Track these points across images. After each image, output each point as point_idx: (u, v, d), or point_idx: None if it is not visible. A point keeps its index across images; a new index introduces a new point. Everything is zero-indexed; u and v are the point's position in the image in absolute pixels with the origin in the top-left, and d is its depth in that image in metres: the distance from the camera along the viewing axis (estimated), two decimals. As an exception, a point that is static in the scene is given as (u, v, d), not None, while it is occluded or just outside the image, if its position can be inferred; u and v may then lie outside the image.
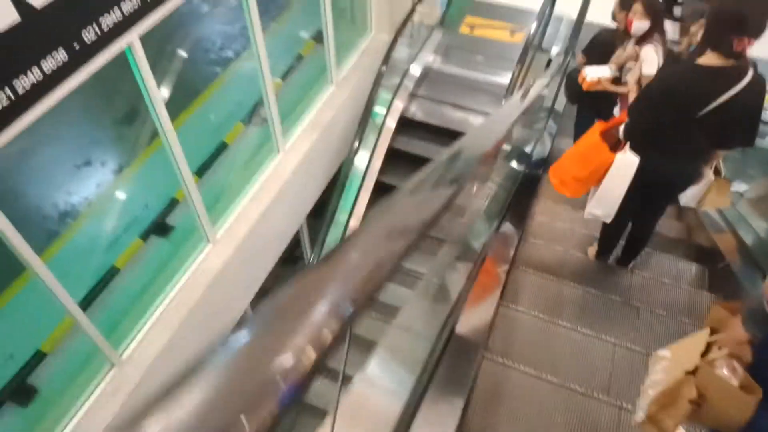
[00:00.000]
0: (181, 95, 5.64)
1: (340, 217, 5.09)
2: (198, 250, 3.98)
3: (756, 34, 2.40)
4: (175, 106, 5.50)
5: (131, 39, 2.73)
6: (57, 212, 4.50)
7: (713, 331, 2.22)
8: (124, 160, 5.02)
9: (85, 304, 3.53)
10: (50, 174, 4.87)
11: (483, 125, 2.80)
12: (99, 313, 3.53)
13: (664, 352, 2.28)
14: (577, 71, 4.49)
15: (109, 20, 2.55)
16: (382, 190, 5.31)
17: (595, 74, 3.83)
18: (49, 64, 2.30)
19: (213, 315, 4.05)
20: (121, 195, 4.62)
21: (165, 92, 5.63)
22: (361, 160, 5.20)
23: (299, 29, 6.00)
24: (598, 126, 3.13)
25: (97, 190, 4.75)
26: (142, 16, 2.75)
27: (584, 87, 3.86)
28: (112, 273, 3.81)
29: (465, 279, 2.88)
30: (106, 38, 2.57)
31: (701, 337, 2.21)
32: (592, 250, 3.85)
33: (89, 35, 2.46)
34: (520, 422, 2.67)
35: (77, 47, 2.42)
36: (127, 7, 2.63)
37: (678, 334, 3.20)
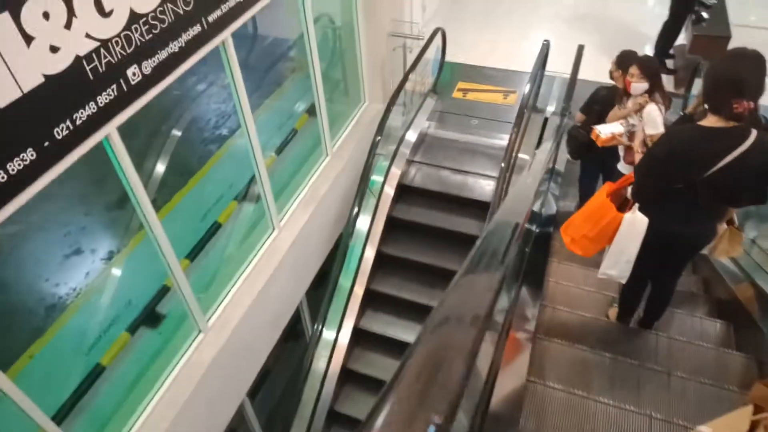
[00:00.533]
0: (175, 175, 5.56)
1: (341, 289, 4.86)
2: (189, 341, 3.73)
3: (754, 97, 2.44)
4: (168, 188, 5.42)
5: (109, 131, 2.62)
6: (43, 306, 4.30)
7: (757, 410, 2.11)
8: (116, 246, 4.86)
9: (66, 410, 3.27)
10: (38, 264, 4.70)
11: (513, 197, 2.91)
12: (78, 421, 3.26)
13: (706, 429, 2.21)
14: (578, 128, 4.49)
15: (83, 114, 2.44)
16: (383, 260, 5.11)
17: (609, 131, 3.77)
18: (16, 165, 2.16)
19: (205, 412, 3.75)
20: (110, 284, 4.42)
21: (158, 173, 5.56)
22: (360, 231, 5.03)
23: (293, 104, 6.00)
24: (606, 187, 3.13)
25: (86, 279, 4.56)
26: (119, 107, 2.65)
27: (599, 144, 3.81)
28: (97, 372, 3.55)
29: (493, 355, 2.80)
30: (81, 133, 2.45)
31: (745, 414, 2.14)
32: (613, 312, 3.78)
33: (61, 132, 2.34)
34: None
35: (47, 145, 2.29)
36: (103, 99, 2.53)
37: (713, 400, 3.10)
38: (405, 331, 4.83)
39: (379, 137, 5.00)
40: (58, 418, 3.23)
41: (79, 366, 3.59)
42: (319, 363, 4.68)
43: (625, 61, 3.86)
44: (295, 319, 5.70)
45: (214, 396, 3.84)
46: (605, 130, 3.80)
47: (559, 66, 6.35)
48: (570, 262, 4.43)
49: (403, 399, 0.99)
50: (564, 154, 5.24)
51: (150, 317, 3.96)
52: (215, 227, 4.55)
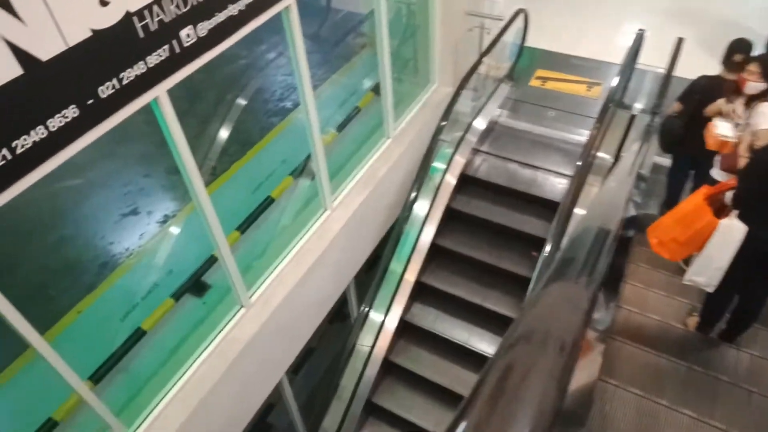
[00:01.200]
0: (236, 144, 5.52)
1: (391, 278, 4.65)
2: (229, 316, 3.65)
3: None
4: (228, 156, 5.39)
5: (157, 93, 2.50)
6: (96, 264, 4.37)
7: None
8: (171, 211, 4.89)
9: (104, 371, 3.27)
10: (96, 221, 4.80)
11: (602, 204, 2.87)
12: (114, 384, 3.26)
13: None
14: (674, 118, 4.26)
15: (131, 74, 2.32)
16: (437, 252, 4.85)
17: (726, 131, 3.38)
18: (57, 122, 2.06)
19: (239, 391, 3.67)
20: (161, 248, 4.42)
21: (221, 140, 5.54)
22: (415, 219, 4.78)
23: (359, 81, 5.79)
24: (704, 189, 3.01)
25: (139, 241, 4.61)
26: (170, 70, 2.52)
27: (710, 143, 3.47)
28: (138, 335, 3.55)
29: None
30: (127, 93, 2.33)
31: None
32: (693, 321, 3.64)
33: (106, 90, 2.23)
34: None
35: (91, 103, 2.18)
36: (153, 60, 2.40)
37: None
38: (453, 330, 4.57)
39: (445, 122, 4.70)
40: (96, 377, 3.24)
41: (121, 327, 3.59)
42: (361, 350, 4.51)
43: (741, 49, 3.43)
44: (342, 301, 5.57)
45: (251, 373, 3.75)
46: (724, 130, 3.40)
47: (652, 59, 5.75)
48: (648, 265, 4.23)
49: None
50: (649, 158, 4.74)
51: (196, 285, 3.92)
52: (268, 201, 4.44)
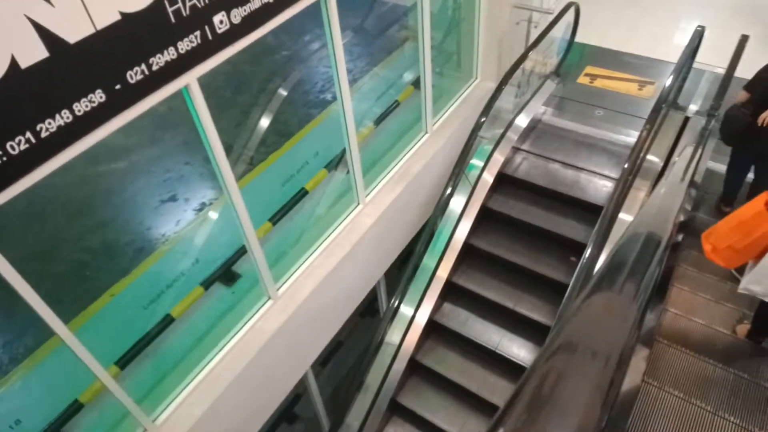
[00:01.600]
0: (275, 134, 5.53)
1: (421, 275, 4.55)
2: (256, 307, 3.64)
3: None
4: (266, 146, 5.40)
5: (188, 81, 2.48)
6: (132, 248, 4.46)
7: None
8: (208, 199, 4.93)
9: (131, 355, 3.32)
10: (136, 206, 4.90)
11: (652, 211, 2.79)
12: (140, 370, 3.29)
13: None
14: (739, 108, 4.09)
15: (161, 60, 2.30)
16: (470, 252, 4.71)
17: None
18: (82, 106, 2.06)
19: (262, 383, 3.66)
20: (196, 235, 4.46)
21: (261, 130, 5.56)
22: (449, 217, 4.65)
23: (400, 74, 5.69)
24: (765, 196, 2.81)
25: (175, 227, 4.67)
26: (202, 56, 2.49)
27: None
28: (166, 322, 3.58)
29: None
30: (156, 80, 2.32)
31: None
32: (743, 329, 3.49)
33: (135, 76, 2.21)
34: None
35: (119, 88, 2.17)
36: (185, 46, 2.37)
37: None
38: (483, 333, 4.43)
39: (484, 118, 4.54)
40: (122, 362, 3.29)
41: (151, 313, 3.63)
42: (388, 348, 4.44)
43: None
44: (373, 296, 5.51)
45: (275, 365, 3.74)
46: None
47: (711, 58, 5.41)
48: (695, 268, 4.06)
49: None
50: (703, 164, 4.46)
51: (226, 275, 3.93)
52: (302, 193, 4.41)
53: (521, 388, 1.12)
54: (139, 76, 2.24)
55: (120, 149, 5.31)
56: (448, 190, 4.57)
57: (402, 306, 4.49)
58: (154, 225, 4.66)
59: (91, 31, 2.00)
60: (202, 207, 4.81)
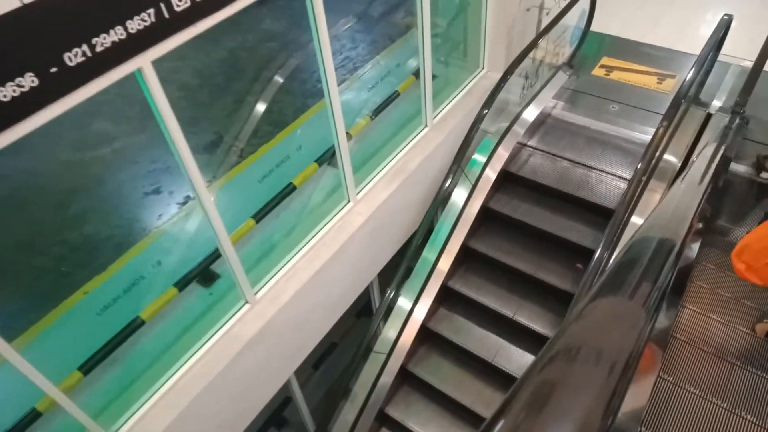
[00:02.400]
0: (267, 125, 5.26)
1: (415, 278, 4.27)
2: (232, 312, 3.40)
3: None
4: (257, 138, 5.13)
5: (140, 65, 2.20)
6: (112, 242, 4.24)
7: None
8: (194, 193, 4.68)
9: (97, 360, 3.09)
10: (119, 198, 4.67)
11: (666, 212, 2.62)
12: (102, 378, 3.07)
13: None
14: None
15: (107, 40, 2.03)
16: (468, 256, 4.41)
17: None
18: (9, 91, 1.80)
19: (239, 391, 3.42)
20: (176, 231, 4.23)
21: (253, 120, 5.30)
22: (448, 216, 4.36)
23: (402, 63, 5.37)
24: None
25: (158, 221, 4.44)
26: (157, 38, 2.22)
27: None
28: (135, 325, 3.34)
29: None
30: (101, 62, 2.05)
31: None
32: (762, 328, 3.36)
33: (75, 58, 1.95)
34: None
35: (55, 71, 1.91)
36: (136, 25, 2.10)
37: None
38: (479, 343, 4.14)
39: (486, 110, 4.22)
40: (86, 367, 3.06)
41: (121, 314, 3.40)
42: (377, 356, 4.18)
43: None
44: (369, 297, 5.25)
45: (253, 372, 3.49)
46: None
47: (739, 50, 5.02)
48: (715, 266, 3.82)
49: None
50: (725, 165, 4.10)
51: (203, 274, 3.68)
52: (289, 189, 4.14)
53: (512, 396, 1.05)
54: (80, 59, 1.98)
55: (107, 137, 5.09)
56: (446, 188, 4.27)
57: (393, 312, 4.22)
58: (135, 218, 4.43)
59: (16, 4, 1.74)
60: (187, 201, 4.56)
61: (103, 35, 2.03)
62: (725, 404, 2.87)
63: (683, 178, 3.19)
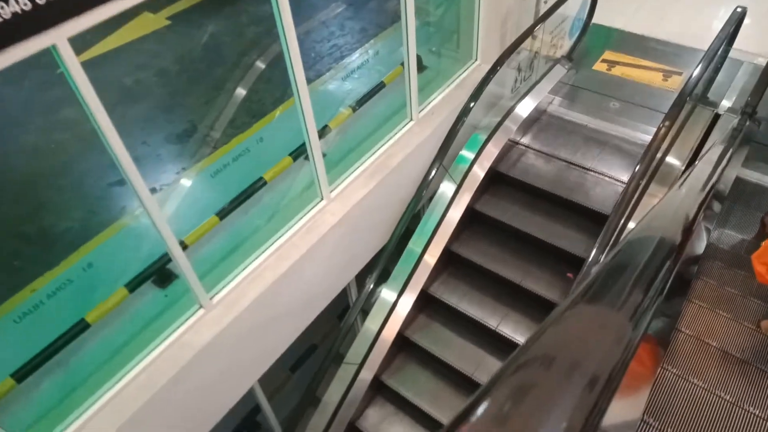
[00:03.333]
0: (245, 115, 4.97)
1: (389, 289, 3.98)
2: (184, 317, 3.12)
3: None
4: (233, 129, 4.84)
5: (54, 41, 1.91)
6: (69, 236, 3.96)
7: None
8: (160, 184, 4.41)
9: (28, 371, 2.83)
10: (83, 188, 4.40)
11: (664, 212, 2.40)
12: (38, 387, 2.81)
13: None
14: None
15: (6, 11, 1.74)
16: (451, 261, 4.11)
17: None
18: None
19: (190, 402, 3.15)
20: (136, 226, 3.95)
21: (230, 109, 5.02)
22: (429, 218, 4.06)
23: (390, 53, 5.06)
24: None
25: (118, 214, 4.16)
26: (75, 11, 1.92)
27: None
28: (80, 328, 3.08)
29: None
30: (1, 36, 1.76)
31: None
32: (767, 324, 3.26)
33: (-41, 27, 1.66)
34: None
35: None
36: (42, -7, 1.81)
37: None
38: (459, 355, 3.84)
39: (474, 103, 3.91)
40: (20, 374, 2.80)
41: (65, 316, 3.14)
42: (347, 366, 3.90)
43: None
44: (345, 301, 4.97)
45: (208, 381, 3.22)
46: None
47: (752, 47, 4.67)
48: (724, 263, 3.64)
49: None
50: (733, 170, 3.78)
51: (159, 274, 3.41)
52: (259, 184, 3.86)
53: (473, 405, 1.00)
54: (-30, 30, 1.69)
55: (75, 123, 4.81)
56: (428, 185, 3.97)
57: (368, 318, 3.94)
58: (96, 211, 4.16)
59: None
60: (153, 192, 4.27)
61: (2, 3, 1.73)
62: (729, 396, 2.85)
63: (681, 183, 2.89)
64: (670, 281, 1.97)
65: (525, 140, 4.40)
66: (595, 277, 1.59)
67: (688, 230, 2.33)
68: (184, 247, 3.46)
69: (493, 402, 1.04)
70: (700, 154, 3.80)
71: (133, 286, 3.26)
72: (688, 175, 2.94)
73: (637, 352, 2.95)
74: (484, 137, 4.21)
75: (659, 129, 3.38)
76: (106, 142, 2.36)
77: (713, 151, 3.31)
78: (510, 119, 4.30)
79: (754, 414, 2.78)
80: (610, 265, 1.75)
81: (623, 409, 2.71)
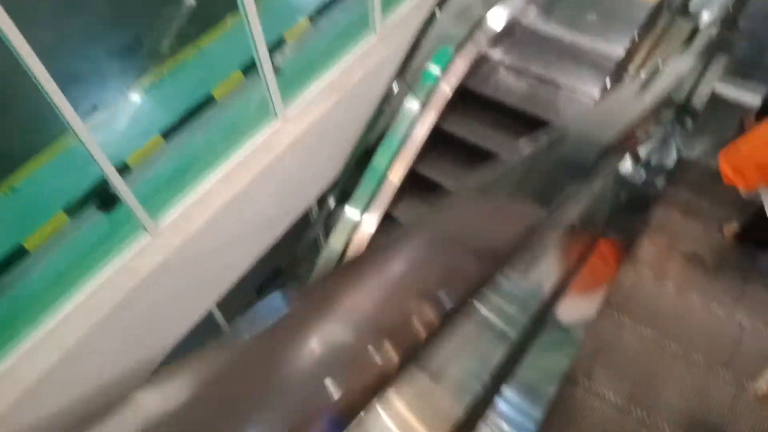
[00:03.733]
0: (195, 24, 4.56)
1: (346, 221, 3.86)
2: (129, 242, 2.98)
3: None
4: (182, 38, 4.46)
5: None
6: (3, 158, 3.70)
7: None
8: (103, 101, 4.09)
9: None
10: (16, 106, 4.07)
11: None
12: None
13: None
14: None
15: None
16: (416, 184, 3.97)
17: None
18: None
19: (138, 329, 3.08)
20: (74, 146, 3.69)
21: (181, 16, 4.60)
22: (391, 138, 3.87)
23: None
24: None
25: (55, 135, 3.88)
26: None
27: None
28: (18, 254, 2.93)
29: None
30: None
31: None
32: (730, 230, 3.17)
33: None
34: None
35: None
36: None
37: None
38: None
39: (439, 11, 3.61)
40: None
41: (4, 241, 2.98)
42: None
43: None
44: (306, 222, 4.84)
45: (157, 306, 3.13)
46: None
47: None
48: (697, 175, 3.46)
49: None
50: (708, 85, 3.60)
51: (102, 198, 3.22)
52: (207, 101, 3.59)
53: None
54: None
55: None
56: (391, 102, 3.76)
57: (332, 236, 3.85)
58: (32, 129, 3.86)
59: None
60: (94, 110, 3.98)
61: None
62: (696, 297, 2.85)
63: (640, 87, 2.69)
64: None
65: (497, 54, 4.15)
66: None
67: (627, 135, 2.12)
68: (128, 169, 3.27)
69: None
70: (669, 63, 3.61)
71: (72, 210, 3.09)
72: (646, 81, 2.74)
73: (602, 252, 2.92)
74: (452, 50, 3.94)
75: (633, 41, 3.16)
76: (17, 53, 2.08)
77: (683, 59, 3.11)
78: (482, 31, 4.02)
79: (715, 313, 2.83)
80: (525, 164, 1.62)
81: (587, 301, 2.77)
